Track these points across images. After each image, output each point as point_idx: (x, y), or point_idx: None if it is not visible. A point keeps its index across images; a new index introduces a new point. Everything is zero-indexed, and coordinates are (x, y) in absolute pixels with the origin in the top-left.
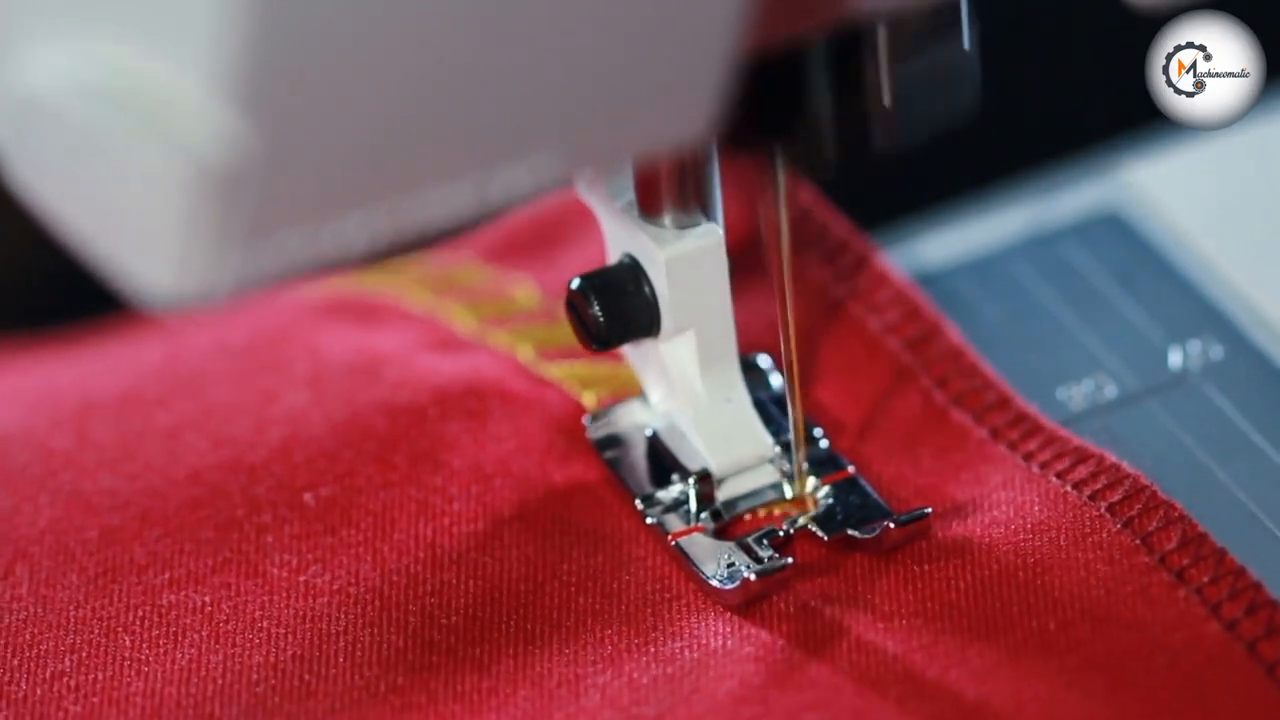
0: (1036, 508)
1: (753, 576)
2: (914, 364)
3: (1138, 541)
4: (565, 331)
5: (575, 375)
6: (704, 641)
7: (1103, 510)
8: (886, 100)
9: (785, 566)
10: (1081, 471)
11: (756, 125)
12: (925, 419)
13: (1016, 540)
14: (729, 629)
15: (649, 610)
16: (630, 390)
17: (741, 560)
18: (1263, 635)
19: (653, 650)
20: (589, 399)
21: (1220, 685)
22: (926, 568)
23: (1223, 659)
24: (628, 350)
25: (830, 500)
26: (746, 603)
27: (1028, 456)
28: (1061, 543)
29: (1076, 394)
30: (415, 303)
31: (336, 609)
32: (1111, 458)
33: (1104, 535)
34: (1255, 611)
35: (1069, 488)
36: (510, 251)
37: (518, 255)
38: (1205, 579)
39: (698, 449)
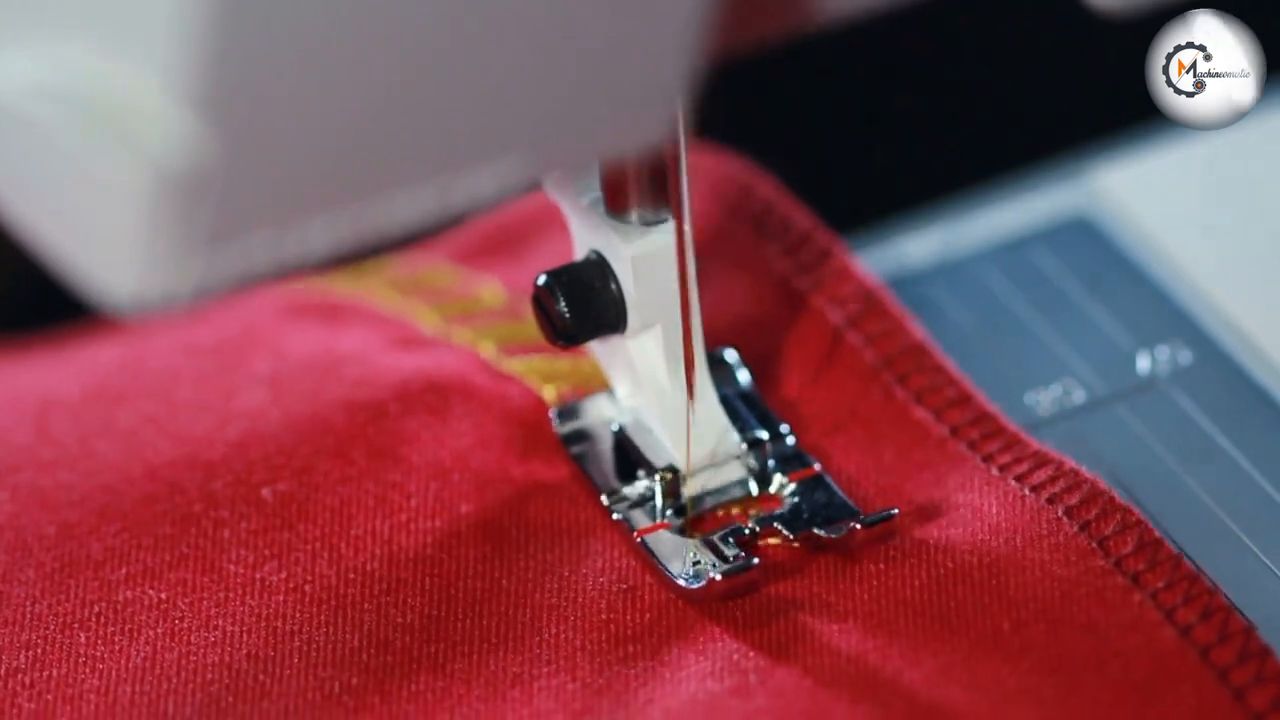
0: (994, 510)
1: (719, 576)
2: (876, 360)
3: (1094, 545)
4: (529, 328)
5: (536, 369)
6: (661, 640)
7: (1060, 513)
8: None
9: (752, 566)
10: (1040, 475)
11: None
12: (887, 415)
13: (973, 541)
14: (688, 628)
15: (605, 606)
16: (591, 384)
17: (707, 559)
18: (1216, 641)
19: (608, 651)
20: (549, 393)
21: (1173, 690)
22: (883, 567)
23: (1176, 663)
24: (594, 346)
25: (796, 498)
26: (711, 601)
27: (988, 459)
28: (1018, 544)
29: (1044, 399)
30: (381, 304)
31: (292, 607)
32: (1071, 462)
33: (1060, 538)
34: (1210, 617)
35: (1027, 491)
36: (479, 253)
37: (486, 257)
38: (1160, 584)
39: (664, 445)
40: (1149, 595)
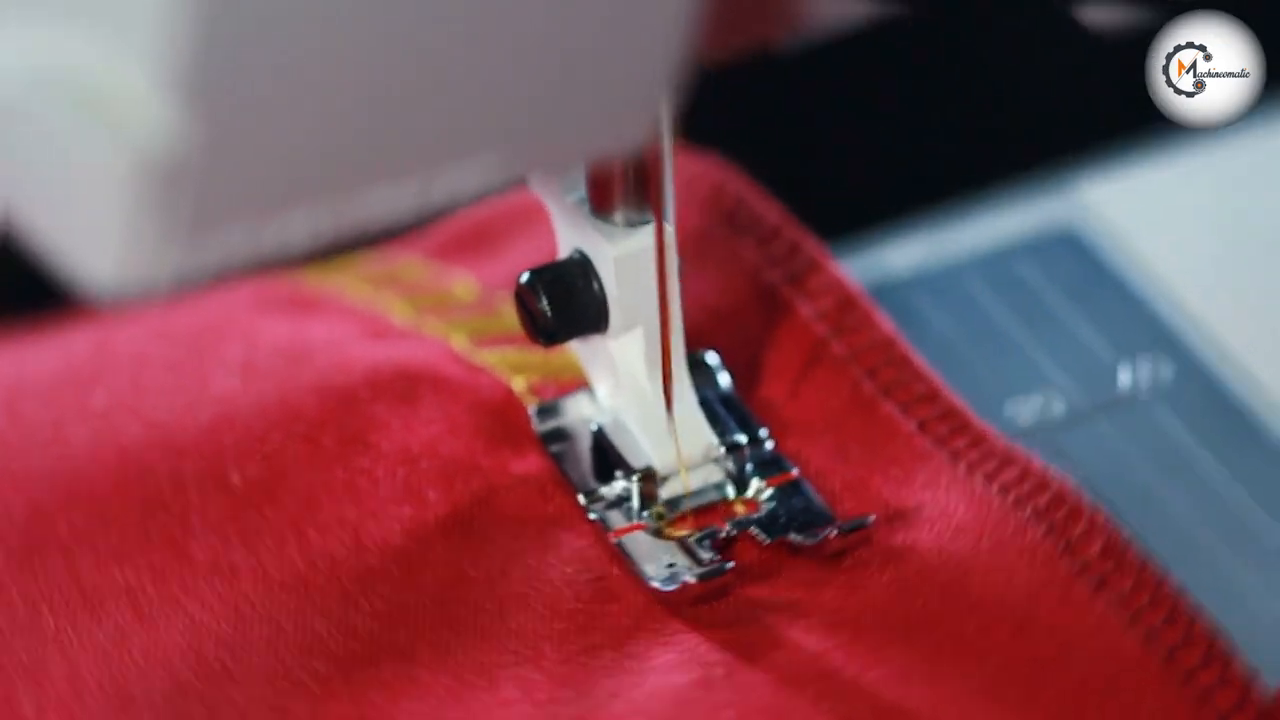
0: (962, 510)
1: (693, 579)
2: (845, 354)
3: (1061, 546)
4: (501, 322)
5: (506, 360)
6: (628, 633)
7: (1027, 515)
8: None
9: (726, 570)
10: (1008, 474)
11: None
12: (854, 409)
13: (939, 542)
14: (655, 623)
15: (571, 596)
16: (561, 376)
17: (682, 562)
18: (1180, 644)
19: (574, 641)
20: (519, 384)
21: (1137, 693)
22: (850, 567)
23: (1140, 667)
24: (576, 345)
25: (773, 503)
26: (684, 604)
27: (955, 455)
28: (984, 546)
29: (1025, 409)
30: (354, 297)
31: (259, 593)
32: (1038, 461)
33: (1027, 540)
34: (1174, 620)
35: (995, 490)
36: (452, 249)
37: (459, 252)
38: (1126, 586)
39: (643, 446)
40: (1115, 597)
